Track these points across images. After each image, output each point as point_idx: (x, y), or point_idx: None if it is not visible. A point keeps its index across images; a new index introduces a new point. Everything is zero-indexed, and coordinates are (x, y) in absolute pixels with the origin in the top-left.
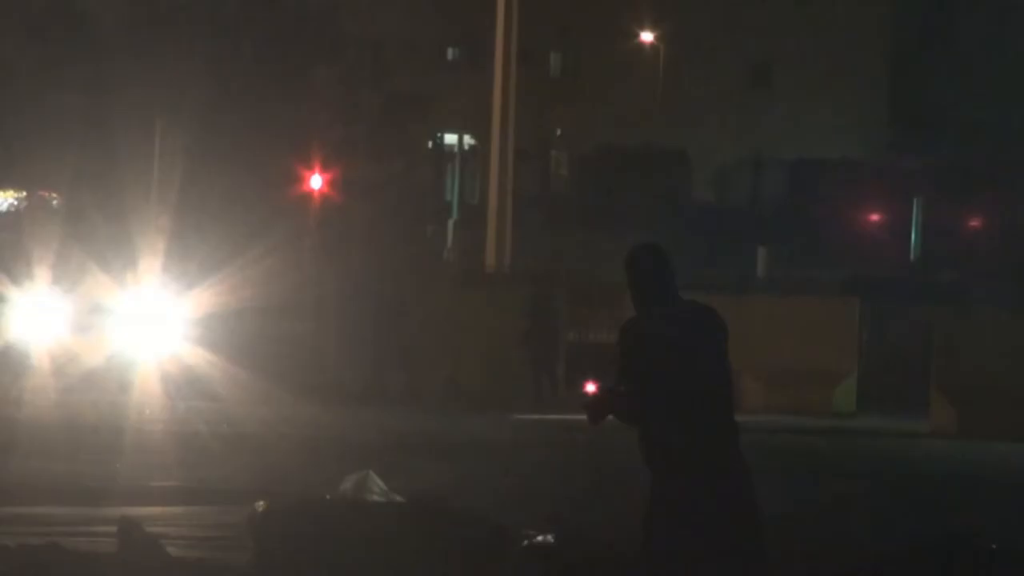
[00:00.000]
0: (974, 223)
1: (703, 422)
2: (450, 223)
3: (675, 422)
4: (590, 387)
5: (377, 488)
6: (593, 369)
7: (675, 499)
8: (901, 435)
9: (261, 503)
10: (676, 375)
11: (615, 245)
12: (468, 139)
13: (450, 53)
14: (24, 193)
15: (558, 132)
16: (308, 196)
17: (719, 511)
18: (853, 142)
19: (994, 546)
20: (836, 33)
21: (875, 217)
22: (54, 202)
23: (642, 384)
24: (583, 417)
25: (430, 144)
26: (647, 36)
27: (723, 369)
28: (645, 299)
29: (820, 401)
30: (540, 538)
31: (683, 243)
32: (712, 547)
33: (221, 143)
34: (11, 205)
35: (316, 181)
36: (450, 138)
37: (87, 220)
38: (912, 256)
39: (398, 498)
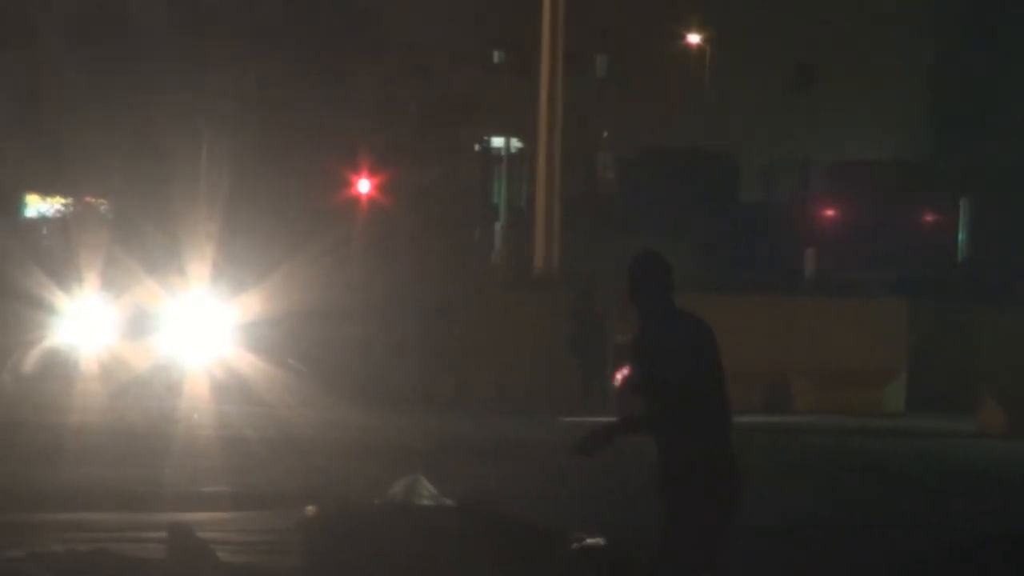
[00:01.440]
0: (1021, 223)
1: (714, 420)
2: (497, 226)
3: (693, 422)
4: (620, 375)
5: (427, 492)
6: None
7: (699, 494)
8: (950, 435)
9: (311, 508)
10: (689, 378)
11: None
12: (515, 142)
13: (496, 56)
14: (72, 200)
15: (604, 134)
16: (355, 200)
17: (733, 507)
18: (899, 143)
19: None
20: (880, 33)
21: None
22: (102, 208)
23: (657, 388)
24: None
25: (477, 147)
26: (693, 38)
27: (721, 372)
28: (646, 304)
29: (869, 401)
30: (590, 540)
31: (730, 245)
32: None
33: (268, 148)
34: (59, 211)
35: (363, 185)
36: (497, 141)
37: (135, 226)
38: (960, 256)
39: (448, 502)
